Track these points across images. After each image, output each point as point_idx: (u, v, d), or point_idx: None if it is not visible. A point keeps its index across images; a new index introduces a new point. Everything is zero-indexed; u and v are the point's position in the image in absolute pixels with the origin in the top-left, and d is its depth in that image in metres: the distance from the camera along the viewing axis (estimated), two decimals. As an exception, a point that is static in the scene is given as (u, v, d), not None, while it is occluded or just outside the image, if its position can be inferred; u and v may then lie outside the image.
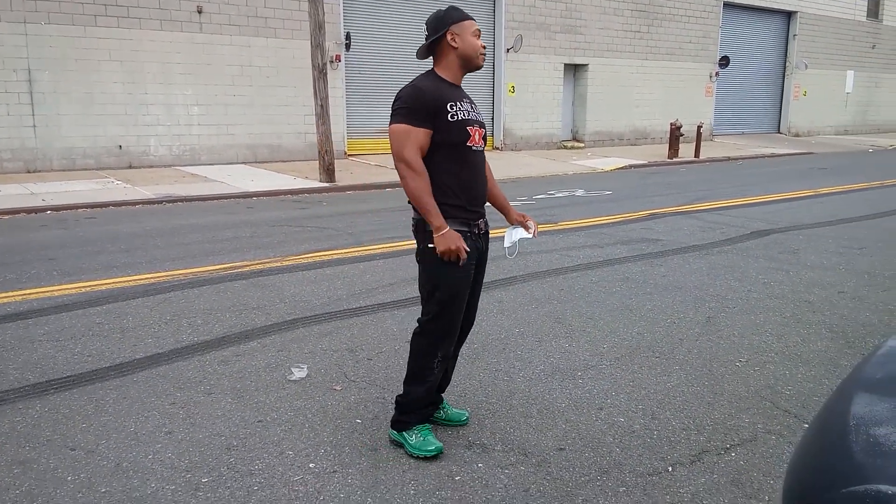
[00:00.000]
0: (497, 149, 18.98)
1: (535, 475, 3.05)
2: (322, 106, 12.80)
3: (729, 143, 22.64)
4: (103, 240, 7.85)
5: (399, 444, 3.24)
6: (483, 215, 3.20)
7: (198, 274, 6.32)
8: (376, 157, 16.56)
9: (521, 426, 3.48)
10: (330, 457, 3.18)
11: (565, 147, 20.37)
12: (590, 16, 20.18)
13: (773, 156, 20.03)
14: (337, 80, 15.96)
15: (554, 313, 5.21)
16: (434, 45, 3.07)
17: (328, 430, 3.42)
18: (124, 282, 6.05)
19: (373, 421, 3.52)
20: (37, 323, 4.98)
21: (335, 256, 7.02)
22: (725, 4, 23.67)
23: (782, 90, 26.93)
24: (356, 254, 7.14)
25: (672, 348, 4.56)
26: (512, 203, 3.57)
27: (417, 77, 3.06)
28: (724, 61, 23.42)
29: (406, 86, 2.99)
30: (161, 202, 10.80)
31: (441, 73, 3.09)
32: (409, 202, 3.06)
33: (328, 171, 12.91)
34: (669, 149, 18.11)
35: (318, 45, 12.65)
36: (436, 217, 2.91)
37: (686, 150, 18.65)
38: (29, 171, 13.10)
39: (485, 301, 5.48)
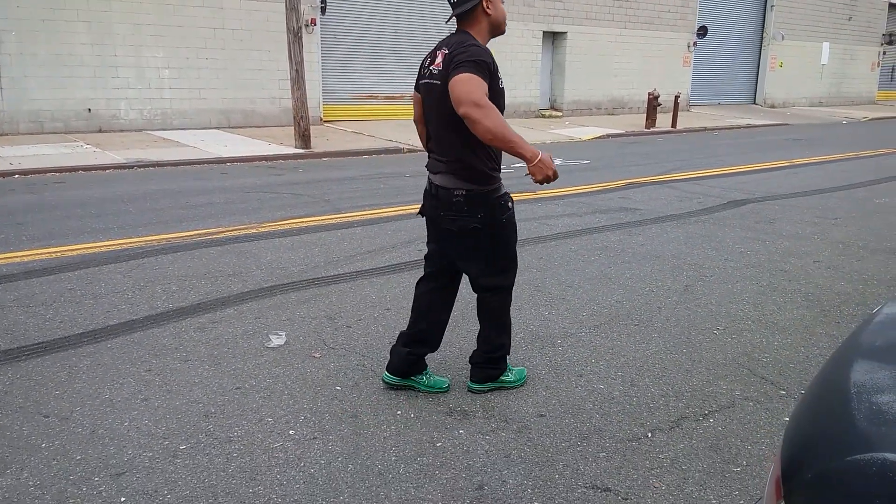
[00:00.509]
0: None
1: (516, 441, 3.05)
2: (297, 71, 12.57)
3: (705, 114, 22.71)
4: (73, 205, 7.68)
5: (485, 391, 3.43)
6: None
7: (171, 240, 6.21)
8: (353, 124, 16.36)
9: (501, 392, 3.47)
10: (310, 424, 3.15)
11: (543, 116, 20.29)
12: (569, -17, 19.98)
13: (748, 127, 20.13)
14: (312, 44, 15.68)
15: (533, 281, 5.20)
16: (469, 11, 3.04)
17: (308, 398, 3.38)
18: (96, 247, 5.93)
19: (353, 388, 3.49)
20: (6, 289, 4.87)
21: (312, 223, 6.94)
22: (705, -26, 23.57)
23: (759, 61, 27.00)
24: (333, 221, 7.06)
25: (650, 316, 4.58)
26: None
27: (464, 36, 3.03)
28: (702, 31, 23.37)
29: (474, 45, 2.96)
30: (132, 167, 10.58)
31: (477, 37, 3.07)
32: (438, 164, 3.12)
33: (303, 138, 12.72)
34: (647, 119, 18.11)
35: (292, 8, 12.37)
36: (526, 146, 2.86)
37: (663, 120, 18.67)
38: (-5, 135, 12.76)
39: (464, 269, 5.46)
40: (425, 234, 5.46)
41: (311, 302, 4.69)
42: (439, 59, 3.00)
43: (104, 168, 10.44)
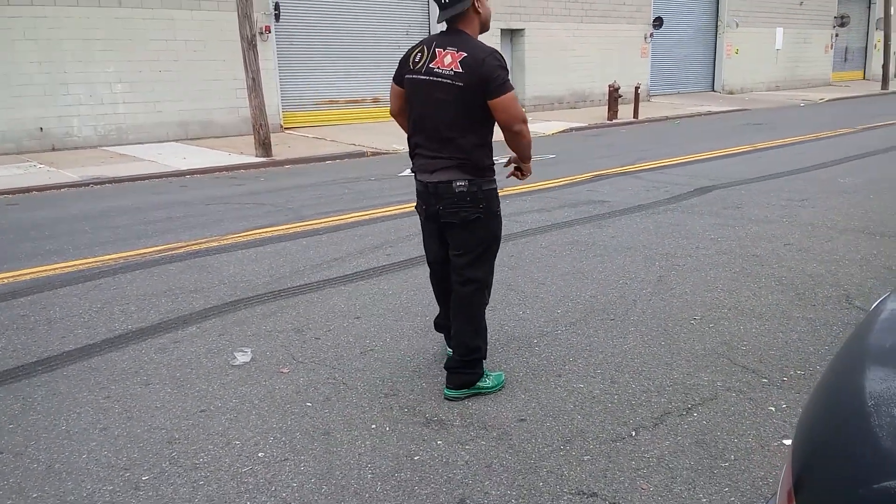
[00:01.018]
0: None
1: (497, 449, 2.93)
2: (254, 79, 12.34)
3: (666, 103, 22.85)
4: (26, 227, 7.39)
5: (462, 398, 3.35)
6: None
7: (129, 258, 5.99)
8: (314, 130, 16.13)
9: (480, 398, 3.35)
10: (280, 444, 3.00)
11: (505, 113, 20.20)
12: (524, -21, 19.96)
13: (708, 113, 20.29)
14: (268, 52, 15.42)
15: (506, 281, 5.09)
16: (462, 12, 3.14)
17: (276, 416, 3.23)
18: (50, 270, 5.69)
19: (324, 403, 3.34)
20: (-46, 319, 4.63)
21: (276, 233, 6.75)
22: (657, -35, 23.73)
23: (715, 49, 27.26)
24: (298, 229, 6.89)
25: (626, 310, 4.49)
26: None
27: (465, 35, 3.16)
28: (658, 22, 23.52)
29: (488, 49, 3.10)
30: (87, 184, 10.27)
31: (472, 35, 3.21)
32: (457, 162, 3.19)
33: (264, 146, 12.49)
34: (609, 110, 18.15)
35: (245, 16, 12.14)
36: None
37: (625, 112, 18.73)
38: (-58, 159, 12.32)
39: (434, 271, 5.33)
40: (392, 237, 5.42)
41: (277, 315, 4.53)
42: (451, 60, 3.06)
43: (58, 187, 10.11)
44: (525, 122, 3.16)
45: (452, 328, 3.41)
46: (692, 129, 16.10)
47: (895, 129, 14.68)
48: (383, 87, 17.71)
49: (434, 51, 3.15)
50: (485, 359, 3.42)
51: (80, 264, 5.84)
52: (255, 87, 12.39)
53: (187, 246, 6.35)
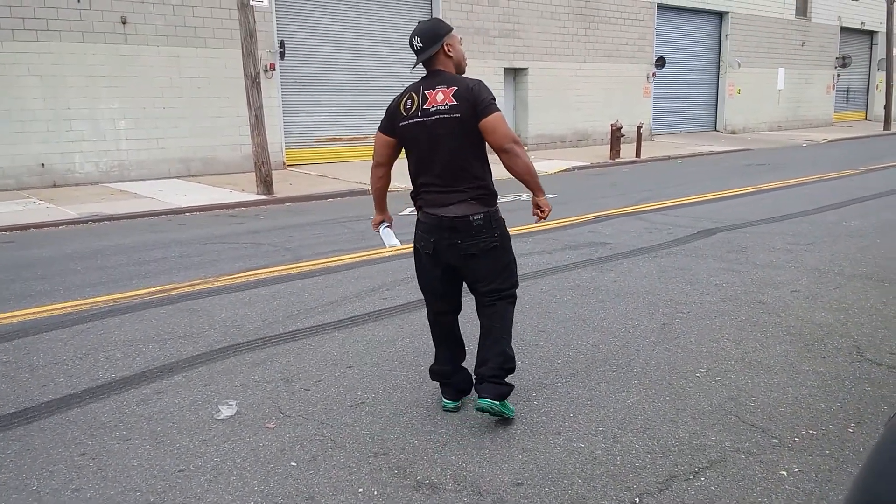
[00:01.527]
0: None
1: (491, 517, 2.75)
2: (256, 116, 12.34)
3: (668, 143, 22.87)
4: (19, 266, 7.28)
5: (499, 414, 3.42)
6: None
7: (119, 300, 5.85)
8: (316, 167, 16.11)
9: (474, 459, 3.18)
10: (260, 509, 2.82)
11: (508, 151, 20.19)
12: (527, 19, 20.12)
13: (711, 153, 20.26)
14: (272, 89, 15.48)
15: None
16: (431, 57, 3.36)
17: (258, 478, 3.05)
18: (37, 313, 5.55)
19: (310, 463, 3.17)
20: (-67, 365, 4.48)
21: (271, 274, 6.62)
22: (659, 6, 23.93)
23: (717, 89, 27.39)
24: (294, 271, 6.76)
25: (629, 360, 4.33)
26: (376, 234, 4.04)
27: (455, 75, 3.39)
28: (661, 62, 23.67)
29: (473, 80, 3.33)
30: (86, 222, 10.18)
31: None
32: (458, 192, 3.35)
33: (265, 183, 12.44)
34: (611, 150, 18.13)
35: (249, 54, 12.18)
36: (540, 184, 3.47)
37: (627, 151, 18.71)
38: (-58, 194, 12.28)
39: (431, 317, 5.18)
40: (390, 279, 5.26)
41: (266, 363, 4.37)
42: (443, 97, 3.25)
43: (56, 224, 10.04)
44: (517, 142, 3.30)
45: (490, 344, 3.47)
46: (695, 169, 16.04)
47: (900, 171, 14.60)
48: (386, 124, 17.73)
49: (423, 94, 3.31)
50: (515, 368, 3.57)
51: (70, 307, 5.71)
52: (257, 124, 12.39)
53: (180, 288, 6.21)
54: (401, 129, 3.39)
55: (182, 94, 14.51)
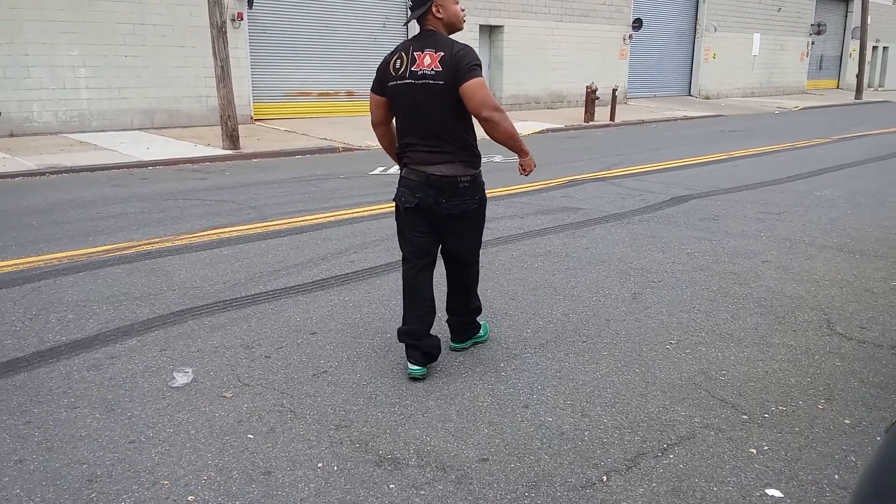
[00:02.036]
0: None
1: (455, 495, 2.66)
2: (223, 67, 11.92)
3: (643, 106, 22.76)
4: (-31, 219, 6.97)
5: (462, 349, 3.92)
6: None
7: (74, 258, 5.62)
8: (285, 122, 15.73)
9: (439, 432, 3.08)
10: (214, 485, 2.69)
11: (482, 111, 19.92)
12: (504, -25, 19.68)
13: (685, 118, 20.21)
14: (240, 39, 14.99)
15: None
16: (424, 14, 3.35)
17: (213, 450, 2.92)
18: (-14, 270, 5.31)
19: (267, 436, 3.04)
20: None
21: (235, 233, 6.42)
22: (638, -34, 23.60)
23: (693, 53, 27.25)
24: (259, 230, 6.55)
25: (599, 331, 4.25)
26: None
27: (446, 38, 3.36)
28: (637, 24, 23.40)
29: (462, 45, 3.30)
30: (44, 174, 9.81)
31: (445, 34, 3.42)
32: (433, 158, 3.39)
33: (231, 138, 12.09)
34: (585, 112, 17.97)
35: (216, 2, 11.70)
36: (524, 143, 3.48)
37: (602, 114, 18.56)
38: None
39: (398, 283, 5.04)
40: (357, 242, 5.20)
41: (226, 328, 4.21)
42: (430, 60, 3.25)
43: (13, 176, 9.65)
44: (497, 109, 3.28)
45: (457, 304, 3.81)
46: (668, 135, 15.98)
47: (870, 141, 14.67)
48: (358, 80, 17.36)
49: (413, 55, 3.32)
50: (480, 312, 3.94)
51: (22, 263, 5.46)
52: (223, 76, 11.98)
53: (139, 246, 5.99)
54: (389, 88, 3.40)
55: (145, 42, 13.99)
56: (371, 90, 3.54)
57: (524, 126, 16.82)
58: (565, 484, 2.73)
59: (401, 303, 3.75)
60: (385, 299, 4.73)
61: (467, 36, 19.03)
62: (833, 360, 3.85)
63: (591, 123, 17.67)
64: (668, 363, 3.81)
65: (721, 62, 27.82)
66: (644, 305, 4.69)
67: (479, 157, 3.49)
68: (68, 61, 13.24)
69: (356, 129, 14.93)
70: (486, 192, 3.63)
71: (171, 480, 2.72)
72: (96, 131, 13.57)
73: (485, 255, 5.63)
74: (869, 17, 29.27)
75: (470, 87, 3.21)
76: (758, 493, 2.68)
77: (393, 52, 3.43)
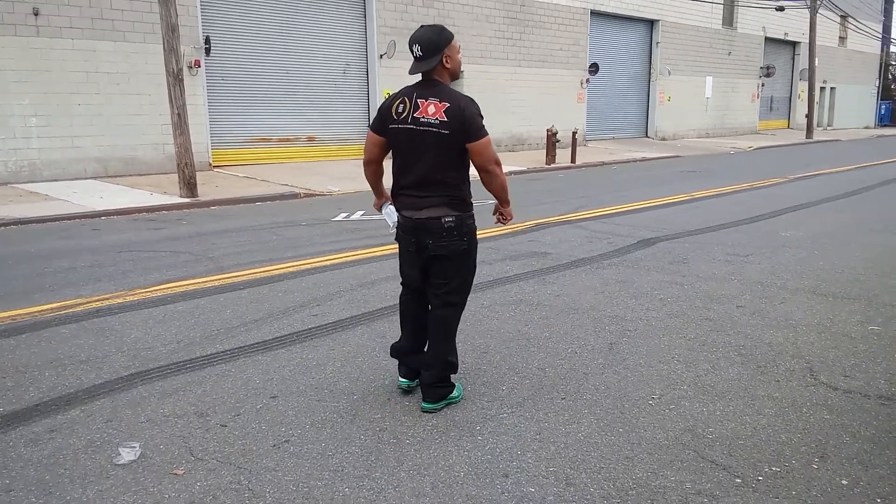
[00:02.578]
0: (374, 157, 18.26)
1: (434, 584, 2.40)
2: (179, 115, 11.67)
3: (602, 148, 23.01)
4: None
5: (439, 409, 3.71)
6: None
7: (17, 318, 5.25)
8: (244, 169, 15.46)
9: (413, 509, 2.82)
10: (162, 583, 2.40)
11: (443, 154, 19.92)
12: (462, 22, 19.89)
13: (643, 160, 20.46)
14: (197, 87, 14.78)
15: (443, 348, 4.57)
16: (433, 66, 3.46)
17: (162, 541, 2.62)
18: (-82, 334, 4.92)
19: (223, 519, 2.75)
20: None
21: (190, 287, 6.11)
22: (592, 13, 24.10)
23: (648, 95, 27.80)
24: (216, 283, 6.26)
25: (578, 386, 4.04)
26: (379, 215, 4.06)
27: (449, 88, 3.49)
28: (594, 68, 23.82)
29: (465, 97, 3.47)
30: (-12, 226, 9.38)
31: (445, 84, 3.55)
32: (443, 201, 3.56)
33: (189, 185, 11.78)
34: (547, 155, 18.07)
35: (171, 50, 11.51)
36: (509, 198, 3.80)
37: (563, 156, 18.68)
38: None
39: (364, 337, 4.80)
40: (321, 294, 5.05)
41: (179, 393, 3.91)
42: (435, 110, 3.40)
43: (-45, 229, 9.21)
44: (498, 164, 3.54)
45: (431, 348, 3.77)
46: (629, 176, 16.09)
47: (826, 180, 14.94)
48: (319, 125, 17.25)
49: (416, 101, 3.45)
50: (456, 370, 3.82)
51: (-43, 325, 5.09)
52: (180, 123, 11.72)
53: (87, 303, 5.65)
54: (390, 130, 3.54)
55: (99, 90, 13.70)
56: (370, 128, 3.67)
57: (486, 169, 16.79)
58: (554, 566, 2.49)
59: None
60: (351, 356, 4.47)
61: (428, 81, 19.09)
62: (821, 413, 3.70)
63: (552, 165, 17.74)
64: (652, 420, 3.61)
65: (676, 104, 28.42)
66: (622, 356, 4.51)
67: (468, 203, 3.62)
68: (19, 110, 12.88)
69: (317, 174, 14.73)
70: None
71: (113, 579, 2.41)
72: (48, 181, 13.15)
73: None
74: (816, 60, 30.27)
75: (481, 144, 3.44)
76: (762, 569, 2.48)
77: (395, 94, 3.56)
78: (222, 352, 4.54)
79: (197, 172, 12.19)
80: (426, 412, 3.67)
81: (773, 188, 13.55)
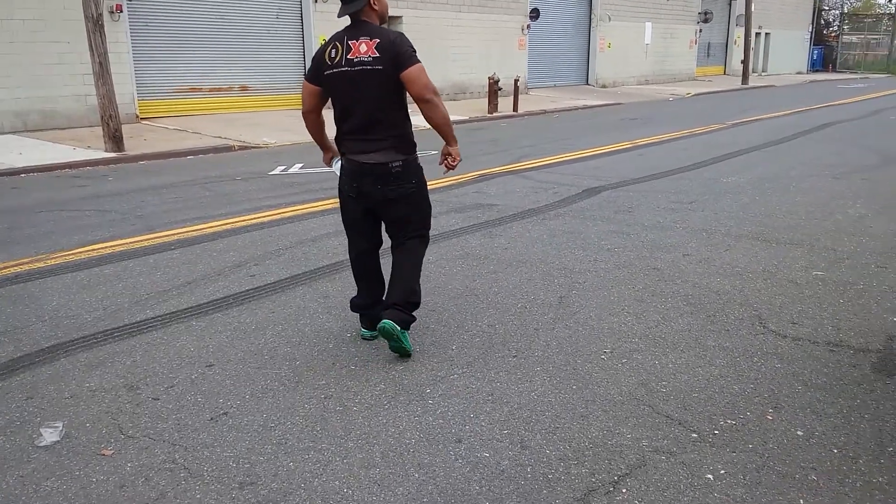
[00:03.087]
0: (311, 108, 17.69)
1: (386, 562, 2.26)
2: (101, 63, 10.97)
3: (543, 96, 22.84)
4: None
5: (398, 343, 3.61)
6: None
7: (-76, 287, 4.86)
8: (175, 120, 14.76)
9: (362, 482, 2.67)
10: (88, 579, 2.20)
11: (383, 104, 19.44)
12: (400, -36, 19.23)
13: (585, 108, 20.39)
14: (120, 32, 13.92)
15: (389, 307, 4.40)
16: (360, 8, 3.44)
17: (88, 530, 2.41)
18: None
19: (157, 503, 2.55)
20: None
21: (117, 248, 5.76)
22: (533, -45, 23.63)
23: (589, 42, 27.61)
24: (145, 243, 5.91)
25: (529, 342, 3.93)
26: (329, 169, 4.00)
27: (378, 27, 3.48)
28: (535, 14, 23.45)
29: (396, 33, 3.45)
30: None
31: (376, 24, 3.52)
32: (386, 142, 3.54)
33: (115, 139, 11.16)
34: (489, 103, 17.79)
35: (90, -8, 10.75)
36: (454, 134, 3.71)
37: (505, 104, 18.43)
38: None
39: (306, 298, 4.59)
40: (259, 252, 4.69)
41: (106, 365, 3.64)
42: (367, 48, 3.38)
43: None
44: (436, 93, 3.47)
45: (398, 276, 3.72)
46: (571, 124, 15.99)
47: (764, 125, 15.12)
48: (252, 74, 16.55)
49: (348, 44, 3.43)
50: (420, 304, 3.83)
51: None
52: (102, 72, 11.03)
53: (4, 269, 5.26)
54: (325, 77, 3.51)
55: (14, 38, 12.77)
56: (305, 78, 3.66)
57: (428, 119, 16.47)
58: (512, 537, 2.38)
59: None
60: (293, 318, 4.26)
61: (365, 27, 18.48)
62: (772, 362, 3.67)
63: (495, 115, 17.51)
64: (605, 376, 3.53)
65: (616, 51, 28.34)
66: (572, 310, 4.41)
67: (413, 144, 3.62)
68: (-77, 59, 11.92)
69: (252, 125, 14.18)
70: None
71: (33, 578, 2.20)
72: (-41, 136, 12.30)
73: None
74: (752, 5, 30.50)
75: (412, 71, 3.38)
76: (723, 529, 2.42)
77: (328, 41, 3.52)
78: (153, 318, 4.27)
79: (123, 125, 11.56)
80: (383, 333, 3.52)
81: (713, 134, 13.64)
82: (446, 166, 3.77)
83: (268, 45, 16.91)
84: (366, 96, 3.45)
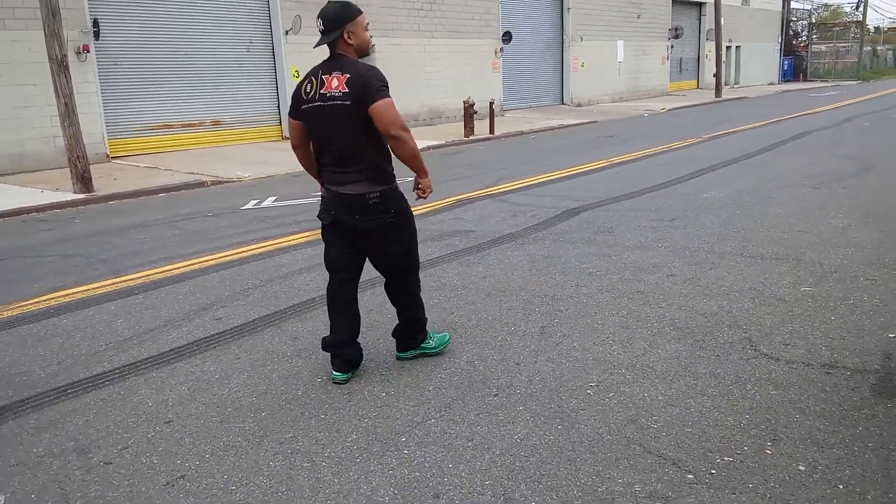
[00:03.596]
0: (286, 138, 17.51)
1: None
2: (66, 104, 10.73)
3: (519, 118, 22.81)
4: None
5: (411, 357, 3.96)
6: None
7: None
8: (147, 158, 14.50)
9: (331, 548, 2.43)
10: None
11: (359, 132, 19.29)
12: (370, -7, 19.19)
13: (561, 127, 20.35)
14: (88, 72, 13.71)
15: (365, 345, 4.16)
16: (334, 41, 3.49)
17: None
18: None
19: (101, 588, 2.30)
20: None
21: (78, 295, 5.49)
22: (503, -21, 23.73)
23: (562, 62, 27.72)
24: (108, 289, 5.66)
25: (510, 379, 3.72)
26: (309, 199, 3.80)
27: (353, 61, 3.49)
28: (507, 37, 23.51)
29: (367, 66, 3.45)
30: None
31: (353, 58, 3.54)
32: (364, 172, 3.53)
33: (83, 180, 10.88)
34: (465, 127, 17.70)
35: (53, 34, 10.52)
36: (425, 167, 3.70)
37: (481, 127, 18.35)
38: None
39: (274, 341, 4.36)
40: (226, 293, 4.43)
41: (56, 426, 3.38)
42: (338, 83, 3.41)
43: None
44: (405, 129, 3.44)
45: (397, 311, 3.89)
46: (548, 144, 15.90)
47: (740, 137, 15.10)
48: (225, 108, 16.37)
49: (321, 78, 3.47)
50: (426, 324, 3.98)
51: None
52: (68, 113, 10.78)
53: (-44, 323, 4.98)
54: (303, 112, 3.54)
55: (-23, 81, 12.52)
56: (289, 115, 3.68)
57: (404, 145, 16.31)
58: None
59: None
60: (259, 364, 4.03)
61: (337, 56, 18.36)
62: (767, 389, 3.48)
63: (471, 138, 17.40)
64: (592, 413, 3.32)
65: (589, 70, 28.46)
66: (555, 341, 4.21)
67: (390, 175, 3.59)
68: None
69: (225, 159, 13.96)
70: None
71: None
72: (-77, 183, 11.97)
73: (373, 297, 5.03)
74: (722, 19, 30.83)
75: (379, 106, 3.36)
76: (726, 585, 2.20)
77: (305, 76, 3.58)
78: (110, 371, 4.02)
79: (93, 165, 11.31)
80: (400, 359, 3.99)
81: (689, 149, 13.58)
82: (417, 196, 3.78)
83: (239, 79, 16.75)
84: (338, 131, 3.46)
